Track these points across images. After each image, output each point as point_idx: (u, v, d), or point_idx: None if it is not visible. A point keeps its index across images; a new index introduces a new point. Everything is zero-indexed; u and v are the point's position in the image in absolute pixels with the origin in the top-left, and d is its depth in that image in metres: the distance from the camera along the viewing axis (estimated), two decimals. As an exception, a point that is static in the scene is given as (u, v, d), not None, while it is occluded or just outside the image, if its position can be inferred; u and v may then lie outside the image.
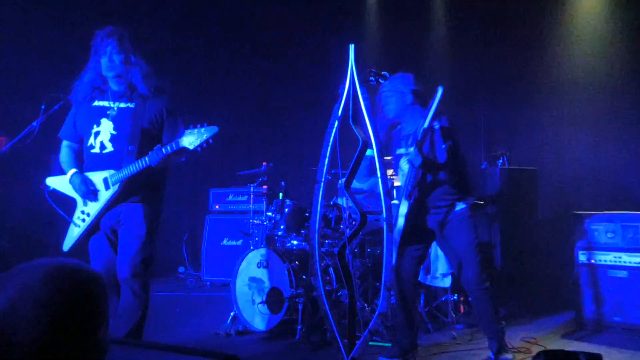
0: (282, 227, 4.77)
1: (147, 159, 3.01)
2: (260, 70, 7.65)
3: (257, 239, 5.08)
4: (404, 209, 3.54)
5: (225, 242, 6.75)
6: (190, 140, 2.94)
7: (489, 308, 3.61)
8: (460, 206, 3.63)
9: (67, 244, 3.20)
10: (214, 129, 2.96)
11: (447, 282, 4.71)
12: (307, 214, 4.82)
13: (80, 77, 3.24)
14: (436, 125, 3.42)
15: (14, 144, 4.05)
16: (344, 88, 3.23)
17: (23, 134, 4.06)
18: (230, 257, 6.14)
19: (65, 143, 3.39)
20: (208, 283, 6.74)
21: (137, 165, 3.03)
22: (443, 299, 4.81)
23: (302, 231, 4.76)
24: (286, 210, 4.78)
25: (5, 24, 6.16)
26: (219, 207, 6.97)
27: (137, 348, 2.70)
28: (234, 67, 7.77)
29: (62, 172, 3.31)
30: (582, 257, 4.65)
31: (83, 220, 3.16)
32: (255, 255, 4.56)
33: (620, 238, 4.48)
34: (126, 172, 3.05)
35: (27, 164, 5.19)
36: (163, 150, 2.98)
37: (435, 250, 4.77)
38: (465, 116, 7.20)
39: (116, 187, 3.09)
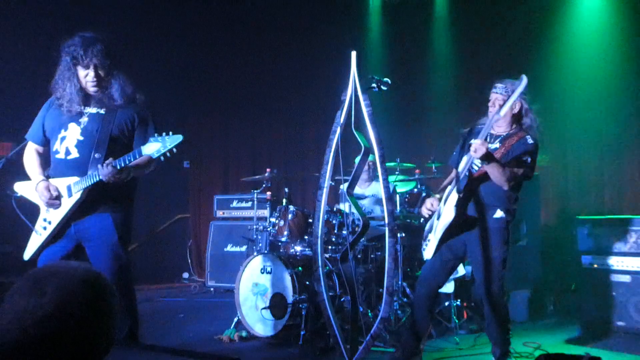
0: (285, 233, 4.79)
1: (121, 160, 2.94)
2: (264, 77, 7.70)
3: (260, 244, 5.11)
4: (453, 200, 3.44)
5: (229, 248, 6.77)
6: (153, 148, 2.85)
7: (503, 320, 3.57)
8: (500, 214, 3.52)
9: (27, 253, 3.09)
10: (178, 138, 2.87)
11: (450, 288, 4.72)
12: (310, 220, 4.84)
13: (58, 83, 3.10)
14: (530, 140, 3.41)
15: (20, 149, 4.13)
16: (346, 94, 3.25)
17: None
18: (234, 263, 6.17)
19: (30, 145, 3.27)
20: (212, 289, 6.77)
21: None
22: (446, 304, 4.82)
23: (306, 237, 4.78)
24: (290, 216, 4.81)
25: (10, 30, 6.22)
26: (223, 213, 7.00)
27: (144, 351, 2.73)
28: (237, 73, 7.82)
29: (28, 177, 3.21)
30: (585, 262, 4.65)
31: (44, 228, 3.05)
32: (258, 261, 4.58)
33: (624, 242, 4.48)
34: (90, 180, 2.97)
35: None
36: (127, 157, 2.91)
37: (438, 256, 4.78)
38: (462, 118, 7.24)
39: (79, 194, 3.00)
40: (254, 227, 5.14)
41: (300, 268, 4.48)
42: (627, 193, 6.16)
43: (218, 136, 7.96)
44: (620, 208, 6.00)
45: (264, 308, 4.41)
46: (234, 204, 6.93)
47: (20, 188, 3.21)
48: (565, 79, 6.45)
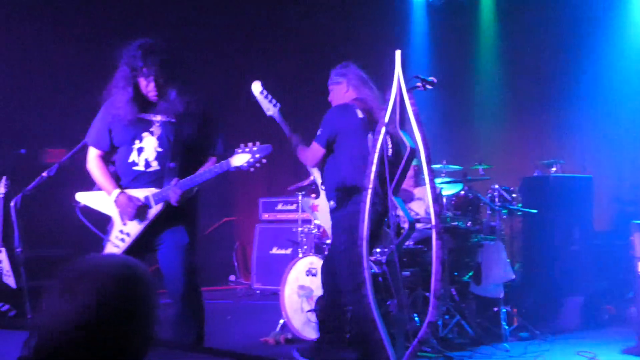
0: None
1: (196, 177, 2.93)
2: (305, 78, 7.69)
3: (305, 247, 5.11)
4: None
5: (274, 250, 6.81)
6: (242, 160, 2.84)
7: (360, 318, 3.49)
8: (332, 204, 3.62)
9: None
10: (267, 148, 2.87)
11: (499, 293, 4.59)
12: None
13: (112, 90, 3.08)
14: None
15: (72, 155, 4.25)
16: (390, 94, 3.21)
17: (81, 144, 4.25)
18: (280, 266, 6.18)
19: (94, 152, 3.20)
20: (258, 291, 6.81)
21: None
22: (495, 310, 4.69)
23: (350, 240, 4.75)
24: (335, 218, 4.78)
25: (59, 39, 6.44)
26: (269, 216, 7.04)
27: (195, 352, 2.75)
28: (277, 74, 7.83)
29: (92, 183, 3.18)
30: (642, 268, 4.44)
31: (122, 240, 3.01)
32: (304, 264, 4.58)
33: (684, 248, 4.26)
34: (167, 190, 2.95)
35: (81, 173, 5.41)
36: (214, 170, 2.90)
37: (487, 260, 4.67)
38: (514, 121, 7.08)
39: (159, 205, 2.99)
40: (299, 229, 5.14)
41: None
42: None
43: (262, 139, 8.00)
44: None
45: (310, 310, 4.40)
46: (279, 206, 6.96)
47: (85, 198, 3.15)
48: (620, 82, 6.23)
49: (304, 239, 5.17)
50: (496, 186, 5.15)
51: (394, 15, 7.44)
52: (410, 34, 7.57)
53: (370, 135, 3.58)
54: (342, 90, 3.82)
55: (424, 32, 7.52)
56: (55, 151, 6.63)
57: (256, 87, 3.65)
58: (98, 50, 6.61)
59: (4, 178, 5.20)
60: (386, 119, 3.15)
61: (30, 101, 6.17)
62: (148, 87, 3.02)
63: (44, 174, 3.97)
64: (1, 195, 5.11)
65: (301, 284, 4.56)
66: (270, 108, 3.66)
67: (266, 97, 3.67)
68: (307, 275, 4.55)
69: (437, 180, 5.60)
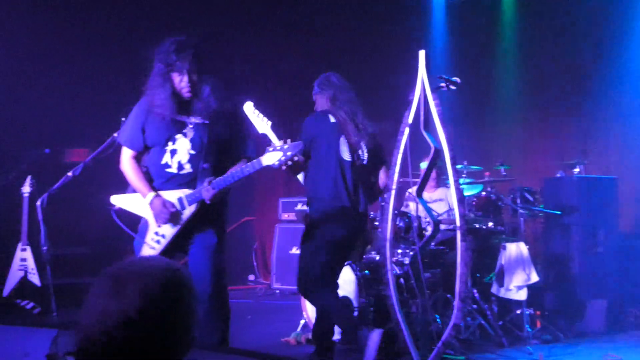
0: (351, 236, 4.76)
1: (229, 176, 2.92)
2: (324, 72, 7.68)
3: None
4: None
5: (294, 250, 6.80)
6: (274, 158, 2.82)
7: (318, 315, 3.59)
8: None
9: None
10: (298, 145, 2.84)
11: (522, 295, 4.54)
12: (375, 223, 4.79)
13: (150, 89, 3.04)
14: None
15: (97, 155, 4.30)
16: (413, 94, 3.19)
17: (105, 145, 4.30)
18: (299, 266, 6.19)
19: (127, 152, 3.16)
20: (277, 291, 6.82)
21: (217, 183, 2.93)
22: (518, 312, 4.64)
23: (372, 240, 4.73)
24: (355, 219, 4.77)
25: (81, 40, 6.51)
26: (288, 216, 7.05)
27: (219, 353, 2.76)
28: (298, 74, 7.84)
29: (125, 182, 3.15)
30: (670, 271, 4.37)
31: (158, 242, 3.01)
32: (324, 264, 4.56)
33: None
34: (200, 190, 2.94)
35: (105, 173, 5.46)
36: (246, 169, 2.88)
37: (509, 262, 4.62)
38: (537, 121, 7.00)
39: (193, 207, 2.98)
40: (320, 230, 5.13)
41: (367, 272, 4.43)
42: None
43: (281, 139, 8.01)
44: None
45: (330, 311, 4.38)
46: (299, 206, 6.96)
47: (120, 201, 3.15)
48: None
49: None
50: (517, 186, 5.09)
51: (414, 14, 7.40)
52: (429, 33, 7.53)
53: (342, 139, 3.61)
54: (321, 101, 3.84)
55: (443, 32, 7.47)
56: (77, 151, 6.73)
57: (248, 107, 3.66)
58: (119, 52, 6.72)
59: (29, 177, 5.28)
60: (409, 120, 3.13)
61: (53, 101, 6.24)
62: (181, 83, 2.98)
63: (69, 173, 4.02)
64: (26, 195, 5.19)
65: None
66: (262, 126, 3.65)
67: (257, 115, 3.67)
68: (328, 275, 4.53)
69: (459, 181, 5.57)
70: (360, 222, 3.63)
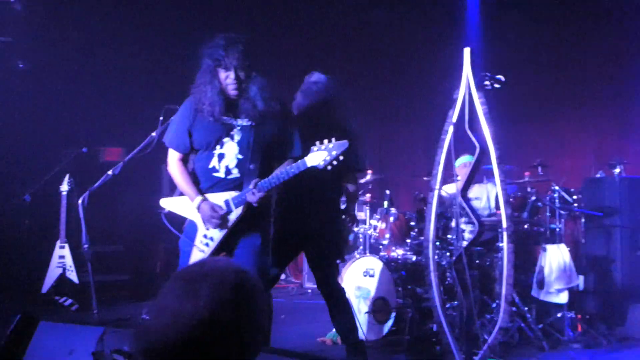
0: (387, 236, 4.72)
1: (273, 178, 2.86)
2: (365, 77, 7.63)
3: (361, 247, 5.06)
4: None
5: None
6: (319, 158, 2.75)
7: None
8: None
9: None
10: (344, 144, 2.73)
11: (563, 298, 4.44)
12: (412, 223, 4.75)
13: (199, 86, 2.98)
14: None
15: (135, 154, 4.32)
16: (455, 92, 3.14)
17: (143, 144, 4.32)
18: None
19: (174, 154, 3.11)
20: (309, 290, 6.79)
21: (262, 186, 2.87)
22: (558, 315, 4.53)
23: (408, 240, 4.69)
24: (391, 219, 4.74)
25: (117, 40, 6.58)
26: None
27: (263, 353, 2.75)
28: (336, 71, 7.79)
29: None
30: None
31: (207, 244, 2.99)
32: (361, 264, 4.54)
33: None
34: (246, 193, 2.89)
35: (139, 172, 5.51)
36: (291, 170, 2.83)
37: (550, 264, 4.52)
38: (575, 120, 6.85)
39: (239, 209, 2.94)
40: (355, 229, 5.09)
41: (404, 272, 4.39)
42: None
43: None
44: None
45: (367, 312, 4.35)
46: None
47: (169, 204, 3.13)
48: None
49: (360, 239, 5.12)
50: (556, 187, 4.97)
51: (449, 11, 7.31)
52: (464, 30, 7.42)
53: None
54: None
55: (478, 28, 7.35)
56: (112, 150, 6.81)
57: None
58: (154, 52, 6.79)
59: (67, 176, 5.35)
60: (454, 119, 3.07)
61: (89, 101, 6.33)
62: (227, 80, 2.91)
63: (109, 172, 4.04)
64: (64, 193, 5.27)
65: (358, 284, 4.52)
66: None
67: None
68: (365, 275, 4.50)
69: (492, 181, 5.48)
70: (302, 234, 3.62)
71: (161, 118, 4.09)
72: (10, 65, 5.80)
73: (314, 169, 2.78)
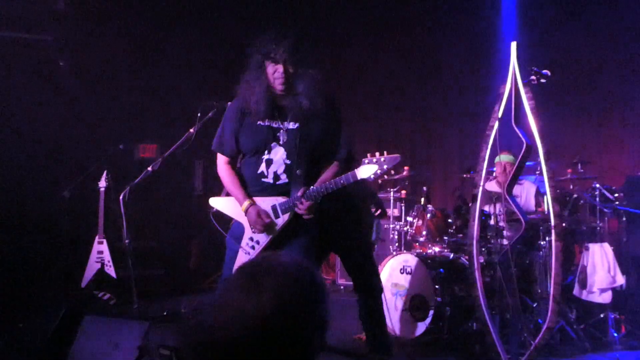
0: (424, 232, 4.67)
1: (322, 188, 2.80)
2: (402, 70, 7.54)
3: (397, 244, 5.02)
4: None
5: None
6: (369, 171, 2.68)
7: None
8: None
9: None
10: (396, 159, 2.67)
11: (606, 298, 4.34)
12: (449, 220, 4.68)
13: (247, 82, 2.91)
14: None
15: (173, 150, 4.35)
16: (503, 87, 3.07)
17: (182, 140, 4.34)
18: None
19: (222, 159, 3.07)
20: (342, 287, 6.77)
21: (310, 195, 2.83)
22: (601, 315, 4.43)
23: (445, 237, 4.63)
24: (428, 215, 4.68)
25: (157, 37, 6.64)
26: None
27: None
28: (371, 66, 7.73)
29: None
30: None
31: (253, 247, 2.96)
32: (398, 261, 4.50)
33: None
34: (294, 201, 2.85)
35: (173, 168, 5.55)
36: (340, 181, 2.76)
37: (593, 263, 4.42)
38: (616, 117, 6.69)
39: (286, 216, 2.90)
40: (390, 226, 5.06)
41: (442, 270, 4.33)
42: None
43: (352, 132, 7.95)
44: None
45: (404, 310, 4.31)
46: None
47: (218, 203, 3.11)
48: None
49: (394, 236, 5.08)
50: (597, 185, 4.86)
51: (486, 6, 7.19)
52: (501, 25, 7.29)
53: None
54: None
55: (514, 23, 7.21)
56: (147, 146, 6.89)
57: None
58: (191, 51, 6.83)
59: (105, 172, 5.42)
60: (499, 114, 3.01)
61: (126, 99, 6.40)
62: (275, 74, 2.84)
63: (149, 168, 4.07)
64: (102, 189, 5.34)
65: (395, 281, 4.47)
66: None
67: None
68: (401, 273, 4.46)
69: (532, 178, 5.37)
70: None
71: (199, 114, 4.11)
72: (51, 63, 5.89)
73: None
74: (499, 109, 3.02)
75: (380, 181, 5.13)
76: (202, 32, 6.80)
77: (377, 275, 3.67)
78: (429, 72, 7.43)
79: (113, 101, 6.32)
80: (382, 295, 3.66)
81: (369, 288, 3.59)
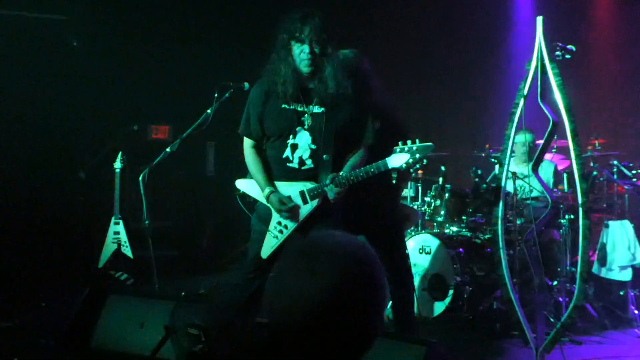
0: (442, 212, 4.65)
1: (352, 176, 2.77)
2: (418, 53, 7.42)
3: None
4: None
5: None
6: (400, 160, 2.63)
7: None
8: None
9: (265, 252, 2.93)
10: (429, 147, 2.63)
11: (626, 276, 4.32)
12: (467, 200, 4.66)
13: (273, 63, 2.86)
14: None
15: (192, 131, 4.33)
16: (529, 64, 3.02)
17: (199, 121, 4.31)
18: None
19: (248, 142, 3.02)
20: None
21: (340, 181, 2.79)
22: (621, 293, 4.42)
23: (463, 217, 4.61)
24: (446, 195, 4.66)
25: (170, 17, 6.57)
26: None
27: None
28: (395, 42, 7.59)
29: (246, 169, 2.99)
30: None
31: (281, 231, 2.92)
32: (417, 241, 4.49)
33: None
34: (323, 187, 2.82)
35: (185, 149, 5.52)
36: (370, 170, 2.72)
37: (613, 240, 4.40)
38: (633, 93, 6.61)
39: (315, 202, 2.86)
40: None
41: (461, 250, 4.33)
42: None
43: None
44: None
45: (424, 289, 4.31)
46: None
47: (244, 185, 3.07)
48: None
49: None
50: (615, 162, 4.81)
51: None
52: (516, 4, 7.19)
53: None
54: None
55: (530, 3, 7.10)
56: (160, 127, 6.87)
57: None
58: (203, 31, 6.74)
59: (120, 153, 5.41)
60: (525, 91, 2.97)
61: (140, 79, 6.35)
62: (302, 55, 2.79)
63: (167, 149, 4.03)
64: (118, 170, 5.33)
65: (414, 261, 4.46)
66: None
67: None
68: (421, 253, 4.45)
69: (548, 156, 5.31)
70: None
71: (216, 95, 4.07)
72: (65, 43, 5.85)
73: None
74: (524, 86, 2.97)
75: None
76: (218, 13, 6.71)
77: (406, 266, 3.54)
78: (447, 48, 7.26)
79: (125, 82, 6.28)
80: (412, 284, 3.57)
81: (398, 280, 3.41)
